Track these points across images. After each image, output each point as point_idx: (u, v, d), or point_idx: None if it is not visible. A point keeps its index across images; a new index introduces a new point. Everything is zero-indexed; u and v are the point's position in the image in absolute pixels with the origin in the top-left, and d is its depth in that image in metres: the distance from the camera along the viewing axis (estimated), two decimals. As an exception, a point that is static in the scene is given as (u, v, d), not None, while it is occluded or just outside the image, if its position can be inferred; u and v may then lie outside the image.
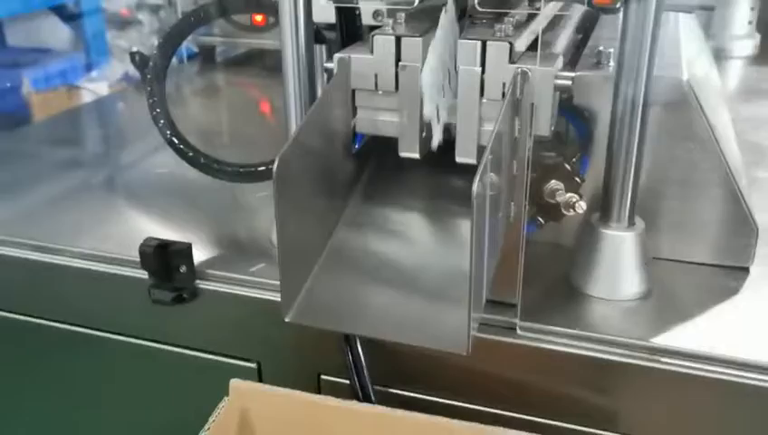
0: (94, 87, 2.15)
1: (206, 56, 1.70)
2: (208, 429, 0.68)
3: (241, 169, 0.84)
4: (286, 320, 0.62)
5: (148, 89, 0.86)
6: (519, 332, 0.68)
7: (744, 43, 1.62)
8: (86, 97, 2.20)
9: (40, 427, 0.94)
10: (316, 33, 0.76)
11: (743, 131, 1.05)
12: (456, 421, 0.65)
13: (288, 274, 0.62)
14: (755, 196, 0.79)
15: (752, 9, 1.61)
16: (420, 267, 0.69)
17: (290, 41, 0.72)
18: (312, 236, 0.68)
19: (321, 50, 0.81)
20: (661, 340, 0.66)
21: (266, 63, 1.67)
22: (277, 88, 0.77)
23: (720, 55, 1.57)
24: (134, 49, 1.51)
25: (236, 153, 0.98)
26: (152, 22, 1.64)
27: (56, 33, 3.17)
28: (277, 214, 0.59)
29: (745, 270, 0.76)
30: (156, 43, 0.92)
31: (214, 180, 0.88)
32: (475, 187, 0.52)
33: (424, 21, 0.70)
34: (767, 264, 0.77)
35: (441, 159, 0.71)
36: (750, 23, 1.62)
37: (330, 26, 0.80)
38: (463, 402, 0.71)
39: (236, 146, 1.18)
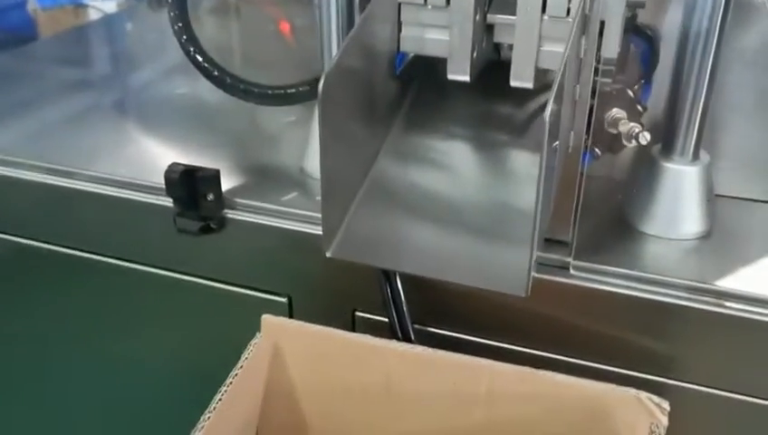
0: (102, 5, 2.08)
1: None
2: (241, 366, 0.65)
3: (270, 91, 0.79)
4: (327, 255, 0.58)
5: (169, 0, 0.79)
6: (572, 271, 0.64)
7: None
8: (94, 15, 2.12)
9: (61, 361, 0.91)
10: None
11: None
12: (500, 364, 0.62)
13: (329, 206, 0.57)
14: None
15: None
16: (467, 201, 0.64)
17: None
18: (354, 166, 0.63)
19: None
20: (723, 283, 0.62)
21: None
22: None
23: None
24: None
25: (258, 75, 0.92)
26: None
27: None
28: (321, 139, 0.54)
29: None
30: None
31: (237, 103, 0.83)
32: (548, 115, 0.46)
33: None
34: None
35: (488, 82, 0.66)
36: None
37: None
38: (508, 344, 0.67)
39: (259, 67, 1.11)
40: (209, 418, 0.60)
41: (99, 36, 1.43)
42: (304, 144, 0.77)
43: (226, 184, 0.73)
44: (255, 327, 0.68)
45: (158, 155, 0.82)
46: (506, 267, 0.54)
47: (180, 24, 0.77)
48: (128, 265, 0.78)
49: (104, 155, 0.82)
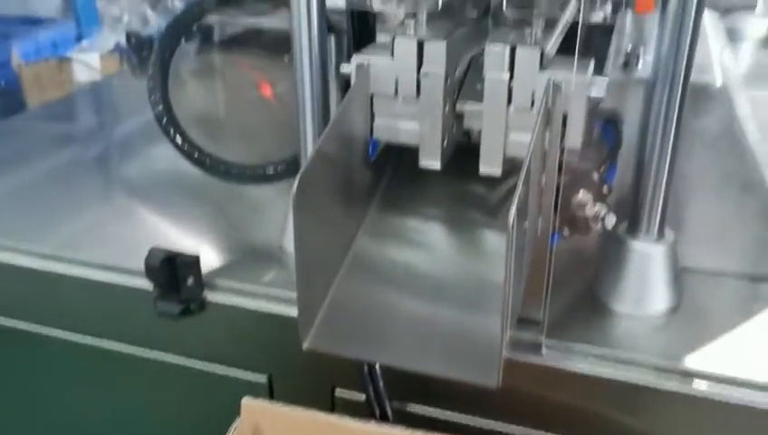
0: (86, 58, 2.09)
1: (204, 36, 1.63)
2: (222, 450, 0.65)
3: (248, 171, 0.81)
4: (305, 347, 0.59)
5: (150, 84, 0.81)
6: (544, 351, 0.65)
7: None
8: (77, 69, 2.13)
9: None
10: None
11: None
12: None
13: (305, 297, 0.59)
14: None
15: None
16: (443, 278, 0.66)
17: (302, 30, 0.67)
18: (332, 249, 0.64)
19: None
20: (691, 360, 0.64)
21: (264, 43, 1.61)
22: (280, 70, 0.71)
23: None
24: (127, 25, 1.44)
25: (240, 143, 0.94)
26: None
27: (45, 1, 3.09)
28: (296, 231, 0.56)
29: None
30: (159, 29, 0.86)
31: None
32: (512, 214, 0.48)
33: (446, 21, 0.66)
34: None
35: (460, 164, 0.68)
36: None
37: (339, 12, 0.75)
38: (485, 420, 0.68)
39: (241, 135, 1.13)
40: None
41: (86, 101, 1.44)
42: (284, 221, 0.78)
43: (207, 262, 0.74)
44: (235, 407, 0.68)
45: (138, 233, 0.83)
46: (479, 356, 0.56)
47: (160, 108, 0.79)
48: (108, 345, 0.79)
49: (86, 236, 0.83)
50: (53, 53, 2.72)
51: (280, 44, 0.88)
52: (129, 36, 1.36)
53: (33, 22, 2.94)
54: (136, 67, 1.36)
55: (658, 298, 0.68)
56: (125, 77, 1.42)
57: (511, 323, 0.57)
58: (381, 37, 0.74)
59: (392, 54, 0.64)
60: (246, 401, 0.68)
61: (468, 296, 0.64)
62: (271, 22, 1.25)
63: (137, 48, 1.32)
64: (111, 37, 1.60)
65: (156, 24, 1.32)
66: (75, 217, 0.89)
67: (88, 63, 2.07)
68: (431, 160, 0.66)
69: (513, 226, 0.49)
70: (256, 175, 0.81)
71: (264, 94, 1.28)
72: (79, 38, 2.68)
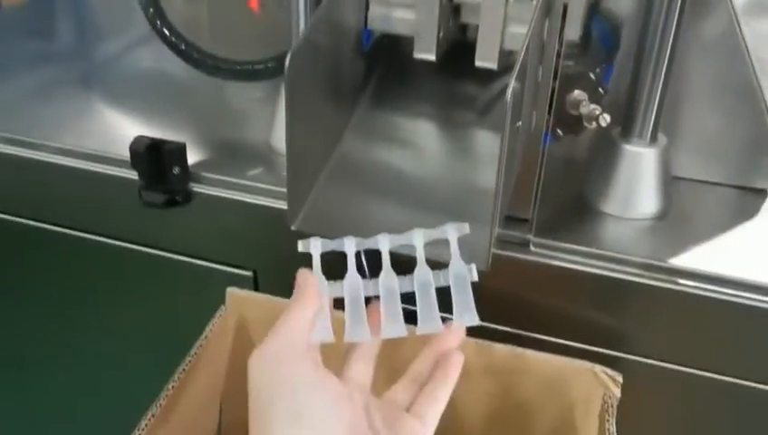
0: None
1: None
2: (206, 337, 0.65)
3: (237, 67, 0.79)
4: (292, 228, 0.58)
5: (136, -28, 0.78)
6: (532, 248, 0.65)
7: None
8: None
9: (23, 334, 0.91)
10: None
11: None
12: (469, 339, 0.63)
13: (295, 182, 0.58)
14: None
15: None
16: (431, 179, 0.66)
17: None
18: (319, 143, 0.63)
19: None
20: (676, 261, 0.64)
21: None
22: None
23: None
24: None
25: (227, 49, 0.91)
26: None
27: None
28: (287, 117, 0.54)
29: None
30: None
31: (204, 77, 0.83)
32: (509, 94, 0.48)
33: None
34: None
35: (454, 63, 0.67)
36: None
37: None
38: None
39: (227, 41, 1.11)
40: (173, 387, 0.61)
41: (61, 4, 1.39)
42: (271, 119, 0.77)
43: (193, 158, 0.73)
44: (220, 301, 0.68)
45: (123, 128, 0.82)
46: (468, 244, 0.55)
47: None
48: (93, 237, 0.78)
49: (69, 127, 0.81)
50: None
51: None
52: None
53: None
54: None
55: (648, 202, 0.68)
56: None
57: (500, 216, 0.57)
58: None
59: (390, -63, 0.62)
60: (232, 291, 0.68)
61: (457, 197, 0.64)
62: None
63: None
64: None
65: None
66: (56, 107, 0.87)
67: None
68: (426, 52, 0.65)
69: (509, 107, 0.48)
70: (245, 71, 0.79)
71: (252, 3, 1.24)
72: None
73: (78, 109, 0.87)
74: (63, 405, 0.96)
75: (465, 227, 0.53)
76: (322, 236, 0.55)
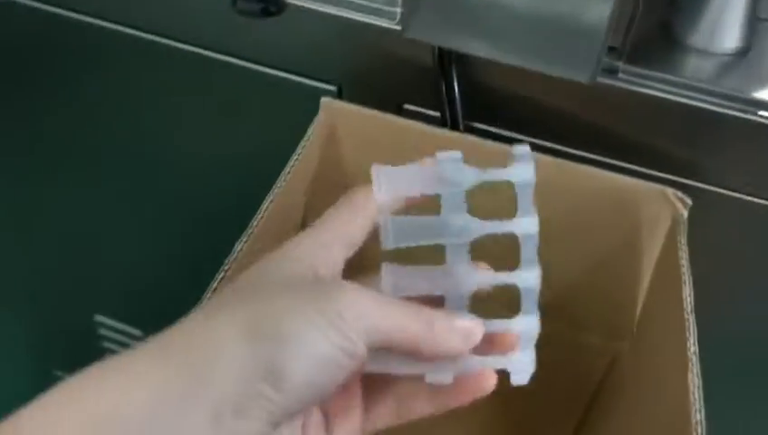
0: None
1: None
2: (304, 145, 0.68)
3: None
4: (407, 36, 0.60)
5: None
6: (620, 75, 0.67)
7: None
8: None
9: (105, 144, 0.93)
10: None
11: None
12: (542, 155, 0.66)
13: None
14: None
15: None
16: None
17: None
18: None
19: None
20: (758, 94, 0.66)
21: None
22: None
23: None
24: None
25: None
26: None
27: None
28: None
29: None
30: None
31: None
32: None
33: None
34: None
35: None
36: None
37: None
38: (552, 144, 0.72)
39: None
40: (271, 202, 0.63)
41: None
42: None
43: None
44: (307, 112, 0.71)
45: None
46: (575, 55, 0.57)
47: None
48: (179, 45, 0.79)
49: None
50: None
51: None
52: None
53: None
54: None
55: (733, 37, 0.70)
56: None
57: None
58: None
59: None
60: (325, 101, 0.70)
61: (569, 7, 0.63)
62: None
63: None
64: None
65: None
66: None
67: None
68: None
69: None
70: None
71: None
72: None
73: None
74: (141, 224, 1.00)
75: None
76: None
